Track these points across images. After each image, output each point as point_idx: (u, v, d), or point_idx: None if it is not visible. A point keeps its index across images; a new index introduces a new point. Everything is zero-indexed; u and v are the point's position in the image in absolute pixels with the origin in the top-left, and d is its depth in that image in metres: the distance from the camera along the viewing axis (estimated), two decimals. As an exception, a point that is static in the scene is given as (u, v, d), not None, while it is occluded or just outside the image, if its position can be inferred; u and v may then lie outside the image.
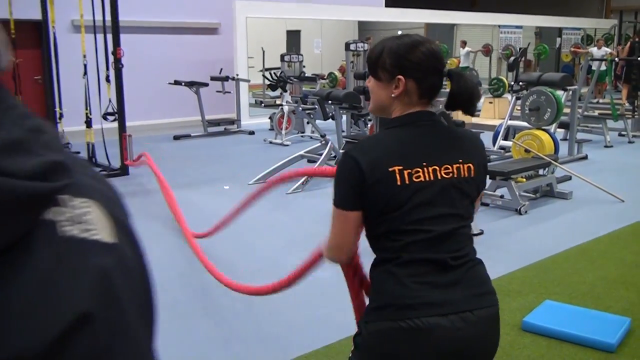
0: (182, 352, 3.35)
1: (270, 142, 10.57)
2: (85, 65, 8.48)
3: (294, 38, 17.03)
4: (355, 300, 1.87)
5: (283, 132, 10.48)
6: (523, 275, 4.52)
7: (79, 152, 9.19)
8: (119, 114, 7.94)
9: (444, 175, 1.62)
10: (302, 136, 10.96)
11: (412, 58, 1.65)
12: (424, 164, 1.61)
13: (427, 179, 1.60)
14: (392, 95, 1.67)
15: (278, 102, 11.89)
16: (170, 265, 4.68)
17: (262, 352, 3.40)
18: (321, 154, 7.56)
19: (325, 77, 13.90)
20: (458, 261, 1.62)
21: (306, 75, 12.81)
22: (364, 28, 20.15)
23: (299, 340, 3.48)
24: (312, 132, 10.54)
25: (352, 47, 11.05)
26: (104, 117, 8.23)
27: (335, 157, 8.01)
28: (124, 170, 7.80)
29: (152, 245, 5.02)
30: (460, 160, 1.66)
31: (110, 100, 8.17)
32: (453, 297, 1.57)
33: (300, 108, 10.16)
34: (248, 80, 12.78)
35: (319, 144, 7.82)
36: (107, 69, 8.13)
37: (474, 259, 1.69)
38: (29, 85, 11.54)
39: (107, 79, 8.16)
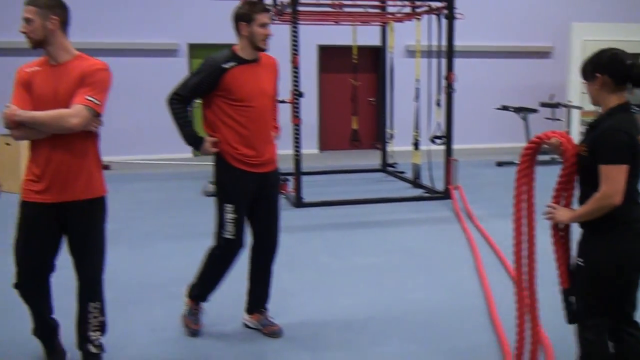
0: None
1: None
2: (417, 89, 8.73)
3: None
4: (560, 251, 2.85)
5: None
6: None
7: (403, 172, 9.52)
8: (447, 138, 7.98)
9: None
10: None
11: (600, 61, 2.63)
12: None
13: None
14: (596, 88, 2.64)
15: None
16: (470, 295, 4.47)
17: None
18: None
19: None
20: None
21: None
22: None
23: None
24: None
25: None
26: (432, 140, 8.35)
27: None
28: (446, 194, 7.81)
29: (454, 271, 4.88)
30: None
31: (438, 124, 8.28)
32: None
33: None
34: (580, 108, 11.92)
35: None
36: (439, 93, 8.24)
37: None
38: (362, 106, 12.38)
39: (438, 103, 8.28)
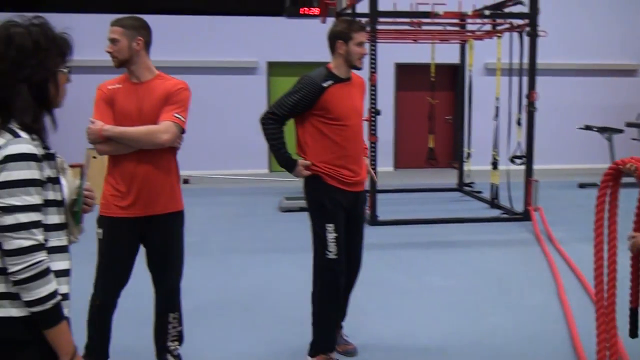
0: None
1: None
2: (497, 108, 8.56)
3: None
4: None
5: None
6: None
7: (481, 192, 9.32)
8: (528, 158, 7.77)
9: None
10: None
11: None
12: None
13: None
14: None
15: None
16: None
17: None
18: None
19: None
20: None
21: None
22: None
23: None
24: None
25: None
26: (512, 160, 8.15)
27: None
28: (526, 216, 7.59)
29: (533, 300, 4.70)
30: None
31: (519, 144, 8.07)
32: None
33: None
34: (670, 128, 11.39)
35: None
36: (519, 111, 8.05)
37: None
38: (439, 124, 12.24)
39: (518, 122, 8.07)
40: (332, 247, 3.49)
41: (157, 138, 3.05)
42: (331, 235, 3.48)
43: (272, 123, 3.50)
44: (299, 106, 3.46)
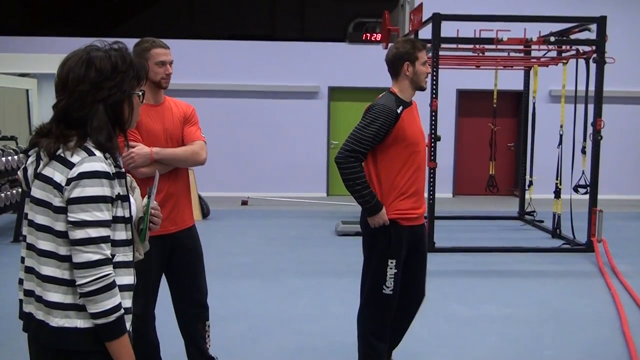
0: None
1: None
2: (560, 136, 8.39)
3: None
4: None
5: None
6: None
7: (542, 221, 9.11)
8: (592, 188, 7.57)
9: None
10: None
11: None
12: None
13: None
14: None
15: None
16: None
17: None
18: None
19: None
20: None
21: None
22: None
23: None
24: None
25: None
26: (575, 189, 7.95)
27: None
28: (589, 247, 7.37)
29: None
30: None
31: (583, 172, 7.87)
32: None
33: None
34: None
35: None
36: (584, 140, 7.86)
37: None
38: (500, 152, 12.06)
39: (583, 151, 7.89)
40: (390, 283, 3.39)
41: (200, 156, 3.23)
42: (392, 272, 3.38)
43: (353, 161, 3.29)
44: (378, 137, 3.28)
